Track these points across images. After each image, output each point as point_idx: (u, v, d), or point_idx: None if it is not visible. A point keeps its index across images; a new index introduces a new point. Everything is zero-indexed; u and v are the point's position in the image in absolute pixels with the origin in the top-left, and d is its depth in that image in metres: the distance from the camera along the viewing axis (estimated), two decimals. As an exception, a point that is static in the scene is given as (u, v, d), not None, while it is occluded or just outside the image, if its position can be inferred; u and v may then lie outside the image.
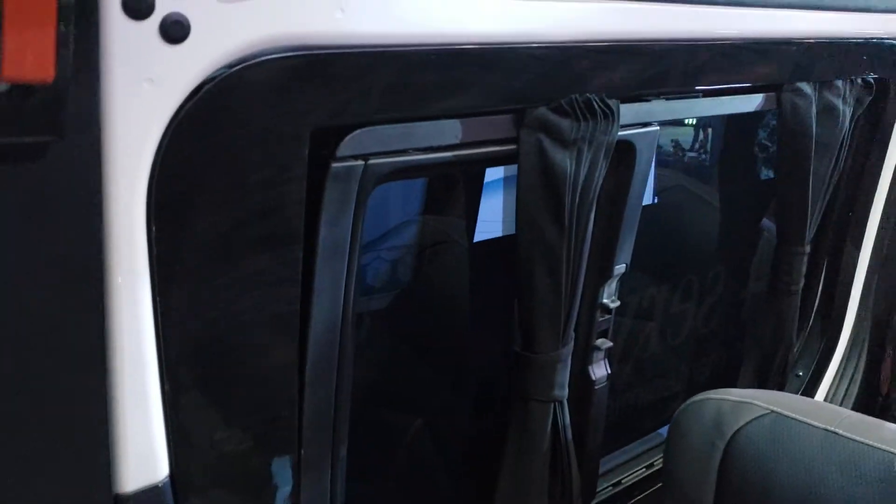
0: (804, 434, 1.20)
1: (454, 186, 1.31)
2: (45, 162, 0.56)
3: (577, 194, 1.05)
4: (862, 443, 1.16)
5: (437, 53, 0.87)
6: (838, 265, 1.83)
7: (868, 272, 1.85)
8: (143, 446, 0.75)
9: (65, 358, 0.67)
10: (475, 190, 1.28)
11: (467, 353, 1.35)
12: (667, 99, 1.21)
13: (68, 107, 0.54)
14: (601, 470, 1.49)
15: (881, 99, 1.64)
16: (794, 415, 1.22)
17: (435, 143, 0.95)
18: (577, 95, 1.01)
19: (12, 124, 0.51)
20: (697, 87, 1.27)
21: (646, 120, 1.19)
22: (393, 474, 1.27)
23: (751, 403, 1.25)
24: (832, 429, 1.19)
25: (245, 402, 0.84)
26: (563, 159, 1.01)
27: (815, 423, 1.20)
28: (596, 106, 1.02)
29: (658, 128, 1.21)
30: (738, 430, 1.23)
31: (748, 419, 1.23)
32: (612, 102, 1.05)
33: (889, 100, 1.66)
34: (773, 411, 1.23)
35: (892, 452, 1.12)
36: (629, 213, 1.25)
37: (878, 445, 1.14)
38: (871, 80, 1.57)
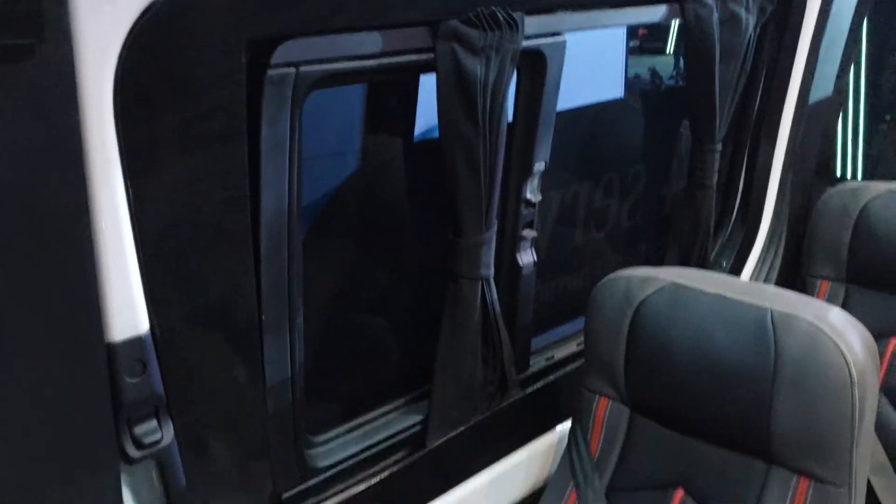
0: (698, 300, 1.39)
1: (394, 93, 1.45)
2: (30, 63, 0.72)
3: (488, 96, 1.21)
4: (744, 302, 1.35)
5: None
6: (755, 161, 2.00)
7: (784, 166, 2.02)
8: (126, 305, 0.93)
9: (56, 231, 0.83)
10: (412, 95, 1.43)
11: (412, 240, 1.52)
12: (572, 10, 1.36)
13: (45, 15, 0.71)
14: (536, 347, 1.69)
15: (786, 6, 1.79)
16: (690, 284, 1.41)
17: (360, 52, 1.11)
18: (483, 8, 1.16)
19: (4, 28, 0.68)
20: (603, -1, 1.42)
21: (554, 30, 1.34)
22: (350, 346, 1.46)
23: (654, 277, 1.44)
24: (721, 293, 1.38)
25: (208, 270, 1.01)
26: (473, 65, 1.18)
27: (708, 290, 1.39)
28: (501, 17, 1.18)
29: (566, 38, 1.36)
30: (644, 300, 1.42)
31: (652, 290, 1.43)
32: (516, 15, 1.20)
33: (793, 6, 1.80)
34: (672, 283, 1.42)
35: (766, 308, 1.32)
36: (544, 115, 1.41)
37: (757, 303, 1.33)
38: None
